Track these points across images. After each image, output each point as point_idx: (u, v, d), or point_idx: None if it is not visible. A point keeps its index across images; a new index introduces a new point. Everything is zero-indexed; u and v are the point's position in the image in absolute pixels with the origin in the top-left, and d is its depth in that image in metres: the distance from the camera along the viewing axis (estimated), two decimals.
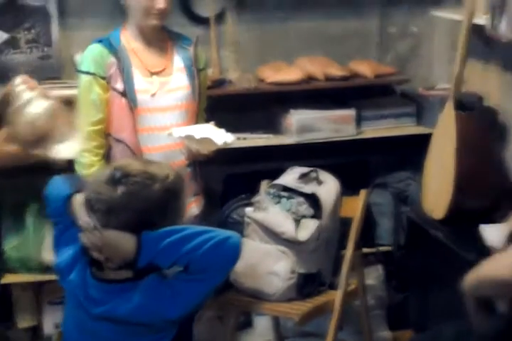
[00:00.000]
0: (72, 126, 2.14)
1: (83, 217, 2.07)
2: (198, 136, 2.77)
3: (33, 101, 2.07)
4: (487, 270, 1.85)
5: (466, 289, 1.82)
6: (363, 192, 3.00)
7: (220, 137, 2.80)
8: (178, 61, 2.95)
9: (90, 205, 2.04)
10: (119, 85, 2.84)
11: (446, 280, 2.90)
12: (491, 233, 2.58)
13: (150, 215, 2.04)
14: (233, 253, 2.03)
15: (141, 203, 2.02)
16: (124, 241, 2.01)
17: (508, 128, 3.12)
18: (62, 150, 2.10)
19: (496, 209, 2.75)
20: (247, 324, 3.46)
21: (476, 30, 3.05)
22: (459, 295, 2.83)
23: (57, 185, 2.21)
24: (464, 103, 2.95)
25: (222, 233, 2.03)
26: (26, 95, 2.07)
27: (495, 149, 2.92)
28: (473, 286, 1.79)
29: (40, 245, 3.22)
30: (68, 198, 2.13)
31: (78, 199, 2.11)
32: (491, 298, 1.85)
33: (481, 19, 2.95)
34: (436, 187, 3.02)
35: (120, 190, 2.01)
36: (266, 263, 2.94)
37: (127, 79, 2.84)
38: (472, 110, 2.96)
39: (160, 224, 2.03)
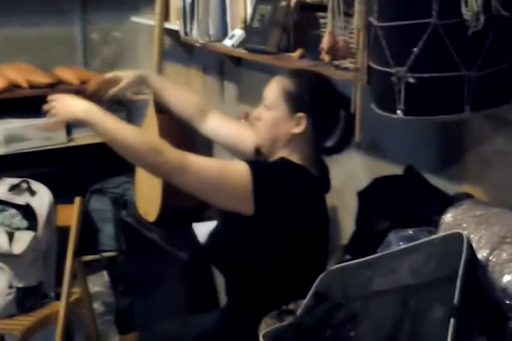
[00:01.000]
0: None
1: None
2: None
3: None
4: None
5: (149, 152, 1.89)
6: (77, 200, 2.98)
7: None
8: None
9: None
10: None
11: (165, 280, 3.00)
12: (202, 230, 2.69)
13: None
14: None
15: None
16: None
17: None
18: None
19: (206, 207, 2.87)
20: None
21: (175, 36, 3.16)
22: (176, 293, 2.94)
23: None
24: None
25: None
26: None
27: (197, 149, 3.02)
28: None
29: None
30: None
31: None
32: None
33: (177, 25, 3.06)
34: (147, 190, 3.07)
35: None
36: None
37: None
38: None
39: None
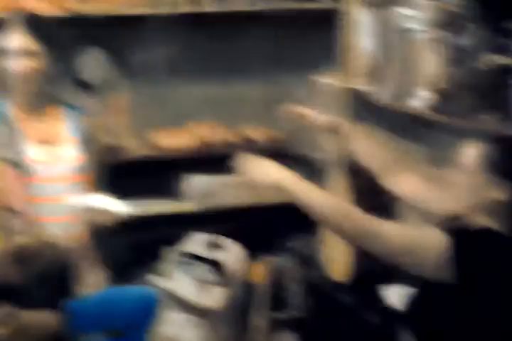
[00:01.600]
0: None
1: None
2: (94, 206, 2.77)
3: None
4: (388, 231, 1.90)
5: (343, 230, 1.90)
6: (268, 257, 3.03)
7: (117, 207, 2.80)
8: (69, 131, 2.92)
9: None
10: (10, 155, 2.81)
11: None
12: (392, 294, 2.67)
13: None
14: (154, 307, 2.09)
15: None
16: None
17: None
18: None
19: (397, 270, 2.84)
20: None
21: (359, 95, 3.19)
22: None
23: None
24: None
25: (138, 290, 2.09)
26: None
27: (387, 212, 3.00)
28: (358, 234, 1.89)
29: None
30: None
31: None
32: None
33: (361, 84, 3.08)
34: (338, 250, 3.09)
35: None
36: (178, 333, 2.93)
37: (18, 149, 2.82)
38: None
39: None
